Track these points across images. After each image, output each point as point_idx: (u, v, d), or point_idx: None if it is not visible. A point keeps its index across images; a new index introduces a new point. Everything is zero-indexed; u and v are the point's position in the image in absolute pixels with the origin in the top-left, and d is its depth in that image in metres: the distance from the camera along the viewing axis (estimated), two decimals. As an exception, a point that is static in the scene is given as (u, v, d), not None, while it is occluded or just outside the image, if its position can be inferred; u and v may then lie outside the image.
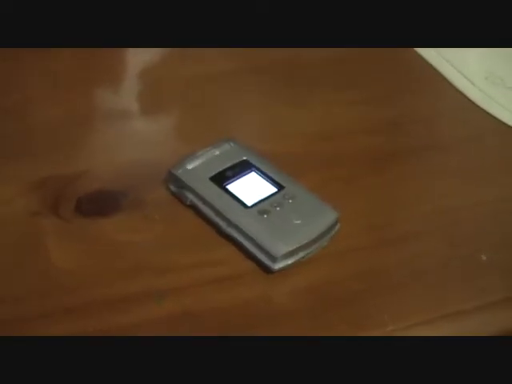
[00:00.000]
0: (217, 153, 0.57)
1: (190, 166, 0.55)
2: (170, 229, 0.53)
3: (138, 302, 0.48)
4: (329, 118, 0.66)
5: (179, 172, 0.55)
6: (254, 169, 0.56)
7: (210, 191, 0.54)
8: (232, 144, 0.58)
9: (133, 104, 0.66)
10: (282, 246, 0.50)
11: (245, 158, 0.56)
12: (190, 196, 0.54)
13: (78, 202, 0.54)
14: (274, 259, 0.50)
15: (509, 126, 0.67)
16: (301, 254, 0.51)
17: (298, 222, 0.52)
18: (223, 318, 0.47)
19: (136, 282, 0.49)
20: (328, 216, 0.53)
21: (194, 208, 0.54)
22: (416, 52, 0.75)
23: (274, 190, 0.54)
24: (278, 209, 0.52)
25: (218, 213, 0.52)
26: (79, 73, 0.68)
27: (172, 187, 0.55)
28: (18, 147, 0.59)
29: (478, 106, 0.69)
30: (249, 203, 0.53)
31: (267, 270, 0.50)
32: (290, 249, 0.50)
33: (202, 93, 0.67)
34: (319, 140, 0.63)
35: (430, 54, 0.75)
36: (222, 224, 0.52)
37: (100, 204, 0.54)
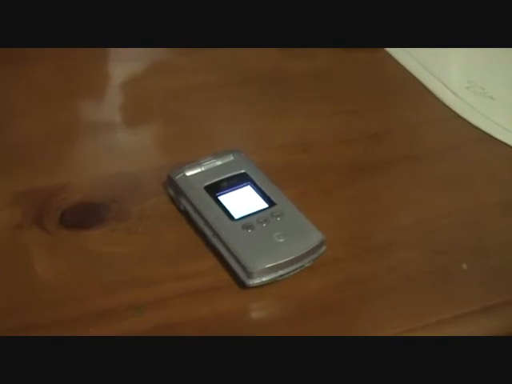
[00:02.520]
0: (218, 163, 0.57)
1: (188, 173, 0.56)
2: (153, 241, 0.54)
3: (119, 315, 0.48)
4: (309, 130, 0.66)
5: (177, 178, 0.56)
6: (250, 182, 0.56)
7: (202, 200, 0.54)
8: (236, 155, 0.58)
9: (116, 116, 0.66)
10: (259, 262, 0.50)
11: (243, 171, 0.57)
12: (184, 202, 0.55)
13: (62, 215, 0.55)
14: (249, 274, 0.50)
15: (490, 136, 0.67)
16: (280, 273, 0.50)
17: (281, 240, 0.51)
18: (203, 330, 0.48)
19: (117, 295, 0.49)
20: (312, 238, 0.52)
21: (186, 215, 0.55)
22: (398, 62, 0.76)
23: (265, 206, 0.54)
24: (264, 225, 0.52)
25: (205, 222, 0.53)
26: (61, 85, 0.68)
27: (170, 191, 0.56)
28: (0, 160, 0.59)
29: (459, 116, 0.69)
30: (236, 216, 0.53)
31: (242, 284, 0.50)
32: (267, 266, 0.50)
33: (185, 105, 0.67)
34: (299, 151, 0.64)
35: (412, 65, 0.75)
36: (209, 234, 0.53)
37: (83, 216, 0.55)
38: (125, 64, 0.72)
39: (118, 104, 0.68)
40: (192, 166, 0.56)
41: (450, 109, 0.70)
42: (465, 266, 0.54)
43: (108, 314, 0.48)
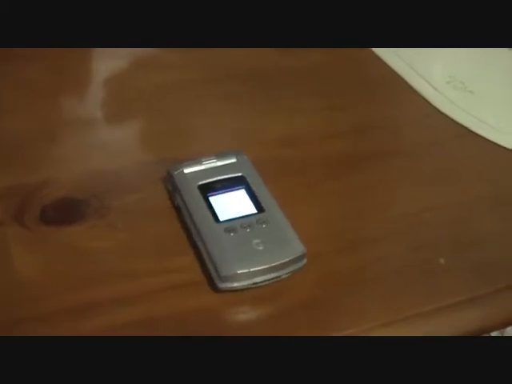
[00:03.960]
0: (219, 163, 0.57)
1: (187, 170, 0.56)
2: (133, 237, 0.54)
3: (99, 309, 0.48)
4: (295, 125, 0.67)
5: (175, 173, 0.56)
6: (245, 186, 0.56)
7: (193, 198, 0.54)
8: (238, 157, 0.57)
9: (97, 113, 0.66)
10: (232, 266, 0.49)
11: (241, 174, 0.56)
12: (178, 198, 0.55)
13: (42, 211, 0.54)
14: (221, 278, 0.49)
15: (470, 131, 0.68)
16: (254, 280, 0.50)
17: (260, 247, 0.51)
18: (181, 325, 0.48)
19: (97, 290, 0.49)
20: (293, 249, 0.51)
21: (178, 210, 0.55)
22: (380, 59, 0.76)
23: (254, 211, 0.54)
24: (247, 230, 0.52)
25: (191, 220, 0.53)
26: (46, 82, 0.68)
27: (168, 186, 0.56)
28: (-20, 157, 0.59)
29: (440, 111, 0.70)
30: (221, 218, 0.53)
31: (214, 287, 0.50)
32: (239, 271, 0.49)
33: (169, 102, 0.67)
34: (285, 146, 0.64)
35: (394, 61, 0.76)
36: (193, 232, 0.53)
37: (64, 213, 0.55)
38: (110, 61, 0.72)
39: (102, 101, 0.68)
40: (192, 163, 0.56)
41: (431, 104, 0.70)
42: (442, 261, 0.54)
43: (88, 309, 0.48)
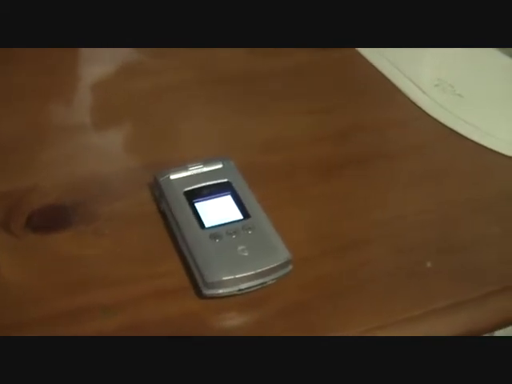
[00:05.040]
0: (205, 169, 0.57)
1: (173, 176, 0.56)
2: (120, 243, 0.53)
3: (85, 316, 0.48)
4: (282, 128, 0.67)
5: (161, 179, 0.56)
6: (230, 192, 0.55)
7: (178, 204, 0.54)
8: (225, 163, 0.57)
9: (85, 118, 0.66)
10: (218, 273, 0.49)
11: (227, 180, 0.56)
12: (163, 204, 0.55)
13: (29, 218, 0.54)
14: (206, 284, 0.49)
15: (458, 134, 0.68)
16: (239, 287, 0.49)
17: (245, 254, 0.51)
18: (167, 331, 0.48)
19: (83, 296, 0.49)
20: (278, 256, 0.51)
21: (164, 217, 0.55)
22: (368, 61, 0.76)
23: (240, 217, 0.53)
24: (233, 237, 0.52)
25: (177, 227, 0.53)
26: (33, 87, 0.68)
27: (155, 192, 0.56)
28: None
29: (428, 114, 0.70)
30: (207, 224, 0.53)
31: (199, 293, 0.50)
32: (224, 278, 0.49)
33: (157, 106, 0.67)
34: (272, 149, 0.64)
35: (383, 64, 0.76)
36: (179, 238, 0.53)
37: (50, 219, 0.55)
38: (97, 66, 0.72)
39: (89, 106, 0.68)
40: (178, 169, 0.56)
41: (419, 107, 0.70)
42: (429, 264, 0.54)
43: (74, 316, 0.48)
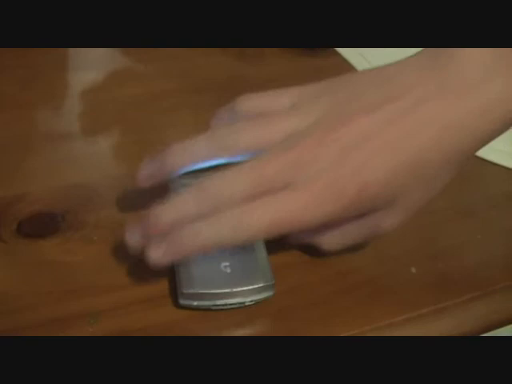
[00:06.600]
0: (190, 180, 0.54)
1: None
2: (108, 250, 0.54)
3: (72, 323, 0.48)
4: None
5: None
6: None
7: None
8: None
9: (73, 126, 0.66)
10: (193, 285, 0.48)
11: None
12: None
13: (19, 225, 0.55)
14: (182, 294, 0.48)
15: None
16: (215, 302, 0.49)
17: (227, 271, 0.49)
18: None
19: (70, 304, 0.50)
20: (260, 279, 0.49)
21: None
22: (353, 67, 0.77)
23: None
24: (220, 252, 0.50)
25: None
26: (19, 94, 0.68)
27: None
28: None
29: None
30: None
31: (176, 302, 0.49)
32: (200, 291, 0.48)
33: (142, 114, 0.68)
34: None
35: (364, 66, 0.76)
36: None
37: (39, 226, 0.55)
38: (83, 73, 0.72)
39: (76, 113, 0.68)
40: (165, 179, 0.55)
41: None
42: (414, 270, 0.55)
43: (62, 323, 0.48)
